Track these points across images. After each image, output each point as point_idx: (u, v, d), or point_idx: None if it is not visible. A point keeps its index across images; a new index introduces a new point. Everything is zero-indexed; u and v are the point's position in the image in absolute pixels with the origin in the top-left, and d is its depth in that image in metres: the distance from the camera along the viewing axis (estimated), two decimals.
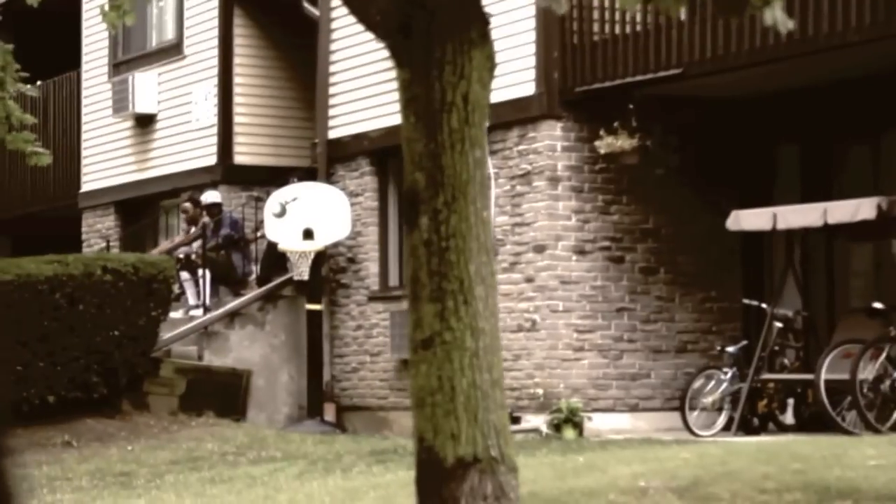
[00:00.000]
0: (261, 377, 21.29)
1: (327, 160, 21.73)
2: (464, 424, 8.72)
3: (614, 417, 18.35)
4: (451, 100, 9.00)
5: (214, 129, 24.34)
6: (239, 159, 24.25)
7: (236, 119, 24.23)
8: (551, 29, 18.37)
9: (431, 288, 8.68)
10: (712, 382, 17.39)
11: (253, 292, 21.85)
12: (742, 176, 18.97)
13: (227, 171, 24.13)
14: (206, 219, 23.24)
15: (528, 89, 18.53)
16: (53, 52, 26.41)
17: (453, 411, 8.75)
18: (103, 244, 27.20)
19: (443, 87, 8.99)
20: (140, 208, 26.81)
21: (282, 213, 21.01)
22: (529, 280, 18.50)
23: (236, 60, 24.29)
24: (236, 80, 24.28)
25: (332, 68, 21.79)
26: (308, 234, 20.83)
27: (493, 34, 18.22)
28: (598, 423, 17.96)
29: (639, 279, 18.70)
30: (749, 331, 18.97)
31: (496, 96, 18.70)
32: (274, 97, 24.49)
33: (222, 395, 20.54)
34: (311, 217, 20.88)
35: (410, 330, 8.55)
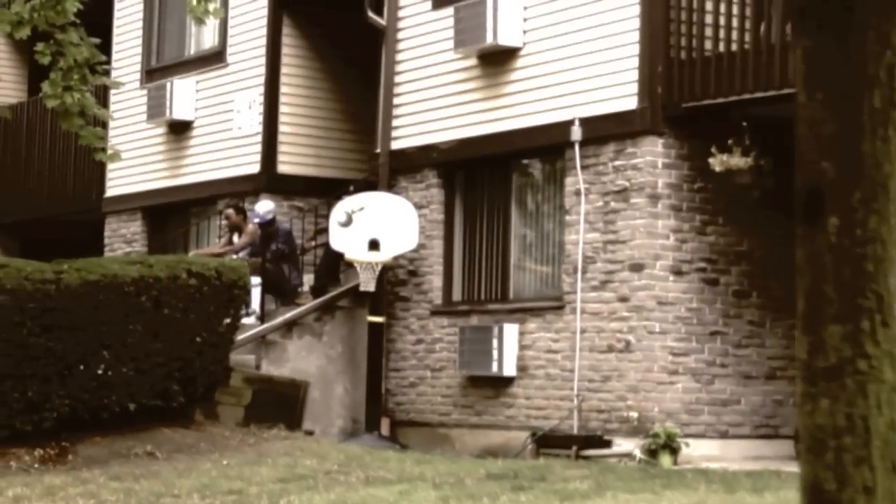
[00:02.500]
0: (316, 389, 18.80)
1: (389, 171, 19.30)
2: (880, 475, 6.22)
3: (705, 444, 16.03)
4: (873, 73, 6.48)
5: (258, 138, 21.85)
6: (282, 169, 21.78)
7: (281, 129, 21.77)
8: (656, 42, 16.08)
9: (840, 304, 6.16)
10: None
11: (310, 302, 19.36)
12: None
13: (270, 180, 21.65)
14: (251, 226, 20.74)
15: (629, 104, 16.21)
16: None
17: (867, 459, 6.23)
18: (127, 249, 24.67)
19: (864, 58, 6.46)
20: (169, 214, 24.26)
21: (347, 223, 18.56)
22: (623, 299, 16.17)
23: (283, 70, 21.84)
24: (283, 89, 21.83)
25: (397, 78, 19.37)
26: (374, 245, 18.39)
27: (594, 46, 15.92)
28: (690, 450, 15.64)
29: (732, 302, 16.42)
30: None
31: (591, 110, 16.45)
32: (319, 108, 22.06)
33: (281, 406, 18.02)
34: (377, 227, 18.45)
35: (804, 355, 6.09)
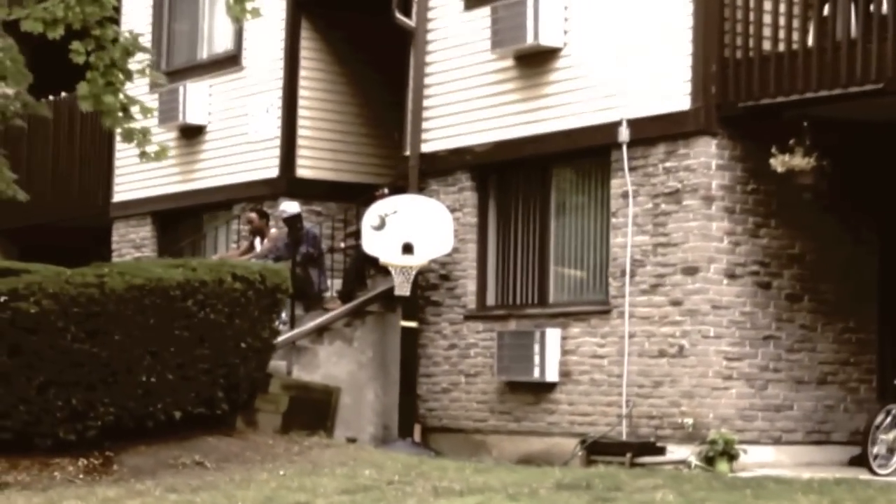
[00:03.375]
0: (347, 395, 17.70)
1: (419, 174, 18.22)
2: None
3: (759, 450, 15.02)
4: None
5: (276, 142, 20.74)
6: (301, 173, 20.67)
7: (300, 132, 20.67)
8: (710, 41, 15.09)
9: None
10: (889, 419, 14.17)
11: (338, 307, 18.26)
12: (884, 203, 15.82)
13: (290, 184, 20.54)
14: (273, 230, 19.64)
15: (682, 104, 15.19)
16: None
17: None
18: (136, 254, 23.49)
19: None
20: (180, 219, 23.09)
21: (381, 226, 17.48)
22: (676, 303, 15.14)
23: (302, 73, 20.74)
24: (301, 93, 20.73)
25: (427, 80, 18.29)
26: (407, 249, 17.32)
27: (642, 45, 14.92)
28: (744, 457, 14.65)
29: (784, 306, 15.42)
30: (884, 364, 15.87)
31: (639, 111, 15.41)
32: (337, 112, 20.97)
33: (315, 412, 16.94)
34: (410, 231, 17.38)
35: None
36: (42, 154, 26.04)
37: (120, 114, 14.71)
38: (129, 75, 14.49)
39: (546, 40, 16.50)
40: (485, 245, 17.67)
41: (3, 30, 14.98)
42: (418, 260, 17.28)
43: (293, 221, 18.87)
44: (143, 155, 14.85)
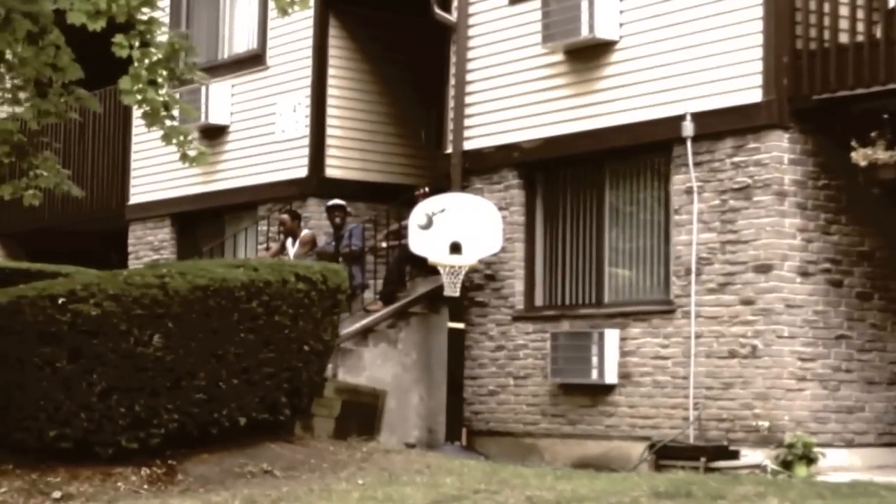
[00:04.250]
0: (392, 398, 16.54)
1: (462, 172, 17.07)
2: None
3: (833, 453, 13.95)
4: None
5: (304, 142, 19.54)
6: (330, 172, 19.49)
7: (329, 132, 19.49)
8: (781, 32, 14.02)
9: None
10: None
11: (381, 309, 17.07)
12: None
13: (319, 184, 19.35)
14: (306, 231, 18.44)
15: (752, 97, 14.11)
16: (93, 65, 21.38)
17: None
18: (154, 256, 22.23)
19: None
20: (199, 221, 21.84)
21: (428, 225, 16.34)
22: (747, 302, 14.06)
23: (330, 72, 19.56)
24: (330, 91, 19.55)
25: (469, 77, 17.14)
26: (455, 248, 16.17)
27: (708, 37, 13.82)
28: (820, 460, 13.61)
29: (855, 305, 14.37)
30: None
31: (704, 104, 14.29)
32: (366, 111, 19.80)
33: (364, 416, 15.81)
34: (458, 230, 16.23)
35: None
36: (51, 150, 24.63)
37: (162, 113, 13.58)
38: (174, 74, 13.34)
39: (602, 33, 15.40)
40: (532, 244, 16.54)
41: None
42: (467, 259, 16.14)
43: (335, 210, 17.68)
44: (184, 157, 13.73)
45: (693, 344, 14.42)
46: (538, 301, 16.47)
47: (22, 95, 13.74)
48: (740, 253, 14.13)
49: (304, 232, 18.41)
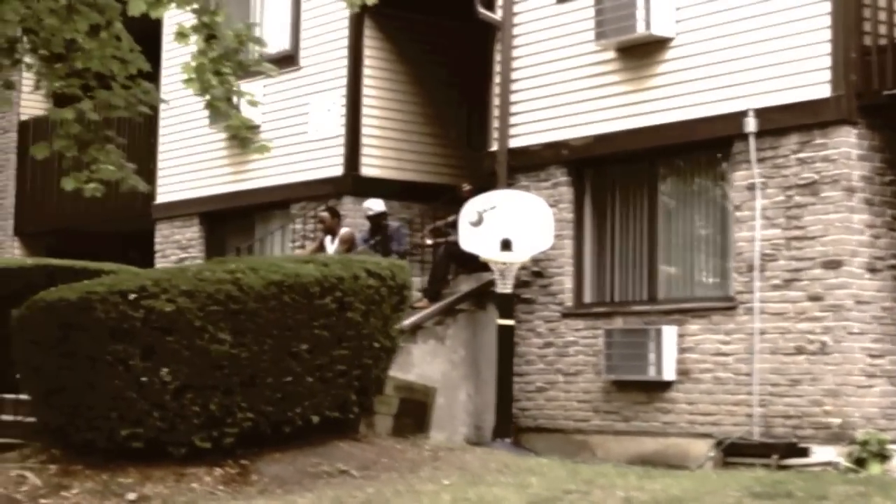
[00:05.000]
0: (441, 395, 15.49)
1: (508, 169, 16.07)
2: None
3: None
4: None
5: (339, 141, 18.49)
6: (366, 171, 18.45)
7: (364, 131, 18.45)
8: (849, 27, 13.09)
9: None
10: None
11: (432, 306, 16.03)
12: None
13: (355, 183, 18.32)
14: (344, 230, 17.39)
15: (819, 92, 13.17)
16: None
17: None
18: (182, 255, 21.15)
19: None
20: (228, 220, 20.74)
21: (478, 222, 15.33)
22: (815, 299, 13.12)
23: (365, 72, 18.53)
24: (365, 91, 18.52)
25: (514, 75, 16.14)
26: (506, 245, 15.17)
27: (772, 33, 12.83)
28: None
29: None
30: None
31: (767, 100, 13.28)
32: (400, 111, 18.77)
33: (416, 413, 14.76)
34: (509, 227, 15.24)
35: None
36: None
37: (225, 106, 12.57)
38: (240, 66, 12.32)
39: (658, 30, 14.43)
40: (581, 241, 15.56)
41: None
42: (519, 256, 15.14)
43: (378, 219, 16.66)
44: (244, 147, 12.73)
45: (757, 340, 13.46)
46: (587, 298, 15.49)
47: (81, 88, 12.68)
48: (807, 249, 13.20)
49: (344, 230, 17.36)
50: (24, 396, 13.78)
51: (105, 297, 11.20)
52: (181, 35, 12.27)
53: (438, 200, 16.95)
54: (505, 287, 15.09)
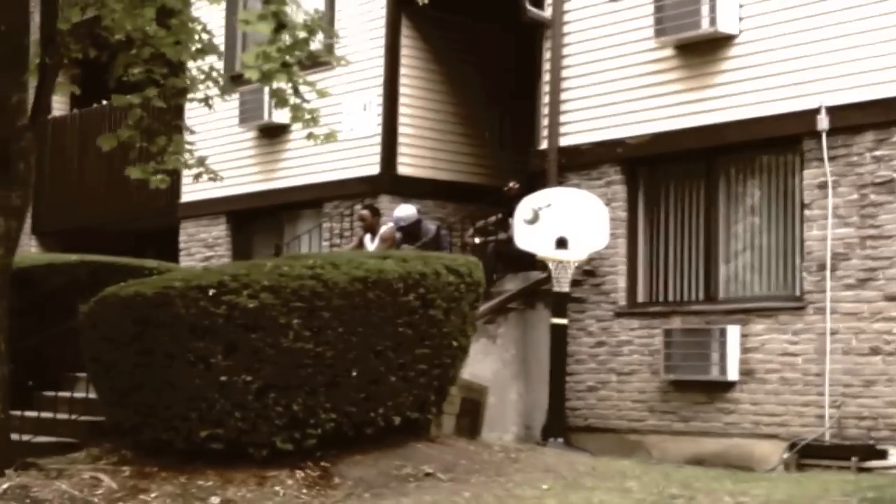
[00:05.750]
0: (492, 394, 14.44)
1: (558, 168, 15.03)
2: None
3: None
4: None
5: (375, 140, 17.42)
6: (402, 171, 17.39)
7: (401, 130, 17.39)
8: None
9: None
10: None
11: (485, 304, 14.94)
12: None
13: (392, 182, 17.24)
14: (385, 228, 16.29)
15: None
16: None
17: None
18: (208, 253, 20.00)
19: None
20: (255, 218, 19.60)
21: (534, 220, 14.29)
22: (892, 298, 12.15)
23: (402, 72, 17.46)
24: (402, 90, 17.45)
25: (564, 73, 15.11)
26: (561, 243, 14.14)
27: (845, 29, 11.75)
28: None
29: None
30: None
31: (841, 98, 12.23)
32: (437, 110, 17.72)
33: (472, 412, 13.73)
34: (565, 224, 14.21)
35: None
36: (94, 158, 22.33)
37: (292, 100, 11.55)
38: (310, 57, 11.28)
39: (723, 27, 13.44)
40: (635, 240, 14.54)
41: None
42: (577, 255, 14.12)
43: (411, 228, 15.52)
44: (310, 136, 11.74)
45: (828, 340, 12.48)
46: (640, 297, 14.47)
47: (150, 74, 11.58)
48: (883, 248, 12.23)
49: (384, 228, 16.25)
50: (78, 394, 12.65)
51: (184, 293, 10.06)
52: (245, 23, 11.19)
53: (484, 201, 15.85)
54: (561, 286, 14.06)
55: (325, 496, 9.94)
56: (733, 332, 13.18)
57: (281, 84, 11.38)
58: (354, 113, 17.65)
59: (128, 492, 9.86)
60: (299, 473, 10.24)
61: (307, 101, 11.78)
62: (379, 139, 17.35)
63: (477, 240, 15.51)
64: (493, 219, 15.59)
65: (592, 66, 14.76)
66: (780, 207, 13.33)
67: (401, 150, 17.37)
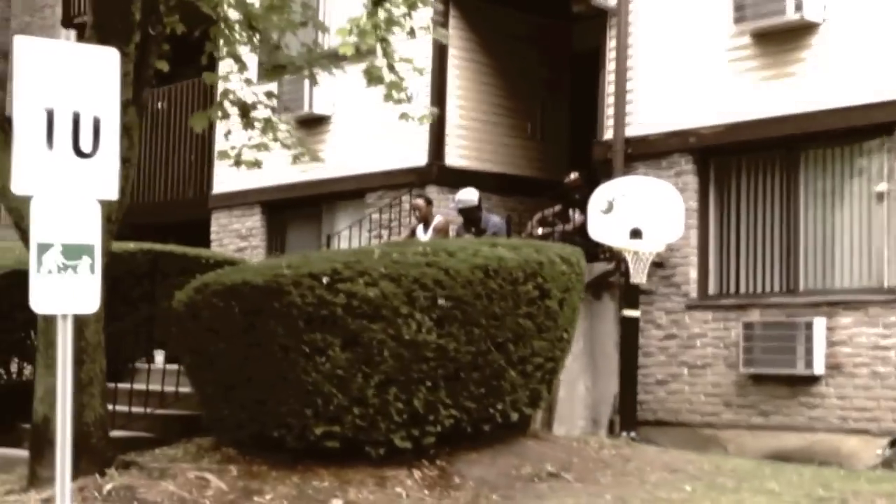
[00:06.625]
0: (561, 388, 13.29)
1: (624, 157, 13.89)
2: None
3: None
4: None
5: (422, 129, 16.17)
6: (450, 161, 16.19)
7: (449, 120, 16.19)
8: None
9: None
10: None
11: None
12: None
13: (440, 173, 16.04)
14: (439, 218, 15.08)
15: None
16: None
17: None
18: (242, 244, 18.70)
19: None
20: (294, 208, 18.32)
21: (609, 210, 13.15)
22: None
23: (451, 62, 16.25)
24: (450, 81, 16.25)
25: (630, 62, 13.98)
26: (636, 234, 13.01)
27: None
28: None
29: None
30: None
31: None
32: (484, 101, 16.53)
33: (548, 406, 12.55)
34: (639, 215, 13.08)
35: None
36: None
37: (388, 77, 10.37)
38: (411, 33, 10.12)
39: (810, 15, 12.36)
40: (706, 231, 13.44)
41: None
42: (653, 246, 13.00)
43: (472, 212, 14.33)
44: (403, 116, 10.60)
45: None
46: (711, 289, 13.37)
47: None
48: None
49: (438, 218, 15.04)
50: (154, 387, 11.39)
51: (298, 280, 8.82)
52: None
53: (545, 193, 14.69)
54: (637, 277, 12.93)
55: (450, 498, 8.77)
56: (819, 324, 12.11)
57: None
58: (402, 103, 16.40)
59: (239, 493, 8.64)
60: (417, 473, 9.07)
61: (402, 78, 10.57)
62: (427, 129, 16.12)
63: (540, 231, 14.34)
64: (549, 211, 14.46)
65: (662, 55, 13.66)
66: (869, 198, 12.27)
67: (448, 140, 16.18)
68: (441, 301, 8.94)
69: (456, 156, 16.22)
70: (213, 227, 19.15)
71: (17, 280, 12.94)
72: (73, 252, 6.62)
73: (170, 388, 11.31)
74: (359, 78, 16.55)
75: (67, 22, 22.61)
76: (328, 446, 8.91)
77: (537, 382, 9.74)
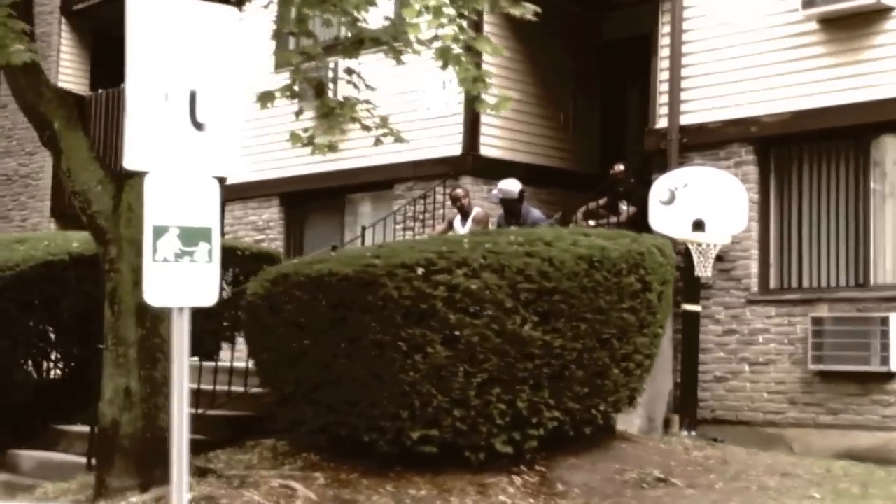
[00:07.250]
0: None
1: (679, 147, 13.00)
2: None
3: None
4: None
5: (454, 119, 15.24)
6: (485, 151, 15.24)
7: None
8: None
9: None
10: None
11: None
12: None
13: (475, 163, 15.09)
14: (478, 209, 14.12)
15: None
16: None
17: None
18: (258, 237, 17.66)
19: None
20: (314, 200, 17.30)
21: (670, 200, 12.25)
22: None
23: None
24: (485, 67, 15.22)
25: (685, 48, 13.08)
26: (698, 226, 12.12)
27: None
28: None
29: None
30: None
31: None
32: (518, 91, 15.58)
33: None
34: (702, 206, 12.20)
35: None
36: (119, 132, 19.79)
37: (456, 52, 9.42)
38: (461, 15, 9.20)
39: None
40: (767, 223, 12.57)
41: None
42: (719, 238, 12.11)
43: (514, 203, 13.39)
44: (474, 102, 9.67)
45: None
46: (772, 283, 12.51)
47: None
48: None
49: (477, 209, 14.09)
50: (206, 386, 10.36)
51: (392, 272, 7.85)
52: None
53: (595, 187, 13.77)
54: (703, 271, 12.05)
55: None
56: (895, 320, 11.26)
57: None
58: (431, 91, 15.47)
59: (330, 503, 7.65)
60: (517, 479, 8.13)
61: (477, 62, 9.61)
62: (461, 118, 15.19)
63: (591, 222, 13.41)
64: (594, 204, 13.56)
65: (721, 41, 12.76)
66: None
67: (483, 129, 15.22)
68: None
69: (492, 146, 15.28)
70: (228, 219, 18.08)
71: (47, 272, 11.89)
72: (191, 236, 5.64)
73: (221, 388, 10.31)
74: (389, 66, 15.59)
75: (66, 9, 21.53)
76: (424, 451, 7.95)
77: (637, 381, 8.82)
